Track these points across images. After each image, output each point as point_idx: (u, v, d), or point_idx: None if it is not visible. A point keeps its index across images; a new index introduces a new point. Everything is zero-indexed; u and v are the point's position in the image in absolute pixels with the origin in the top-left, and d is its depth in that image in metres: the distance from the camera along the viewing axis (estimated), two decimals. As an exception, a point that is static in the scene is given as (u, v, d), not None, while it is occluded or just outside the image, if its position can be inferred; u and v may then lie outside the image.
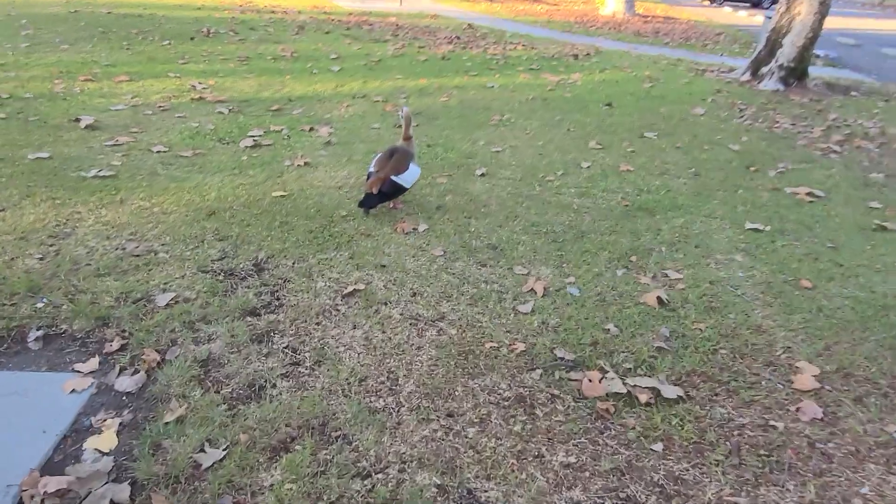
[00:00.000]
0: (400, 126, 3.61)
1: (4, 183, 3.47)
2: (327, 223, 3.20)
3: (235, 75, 6.81)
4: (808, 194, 4.09)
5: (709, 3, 22.97)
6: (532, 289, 2.71)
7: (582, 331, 2.46)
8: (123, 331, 2.28)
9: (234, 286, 2.58)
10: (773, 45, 8.12)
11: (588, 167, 4.38)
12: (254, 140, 4.52)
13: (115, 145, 4.28)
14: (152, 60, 7.32)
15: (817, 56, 10.27)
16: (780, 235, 3.45)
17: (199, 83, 6.27)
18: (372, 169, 3.23)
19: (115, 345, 2.20)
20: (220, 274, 2.66)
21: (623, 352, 2.35)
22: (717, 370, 2.30)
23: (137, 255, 2.75)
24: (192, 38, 9.09)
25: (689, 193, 3.99)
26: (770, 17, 8.41)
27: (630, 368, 2.27)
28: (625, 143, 5.09)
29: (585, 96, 6.80)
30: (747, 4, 21.86)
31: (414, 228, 3.20)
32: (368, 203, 3.17)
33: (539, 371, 2.21)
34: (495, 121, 5.54)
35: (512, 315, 2.53)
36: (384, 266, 2.81)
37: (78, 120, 4.73)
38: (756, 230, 3.49)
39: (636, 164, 4.53)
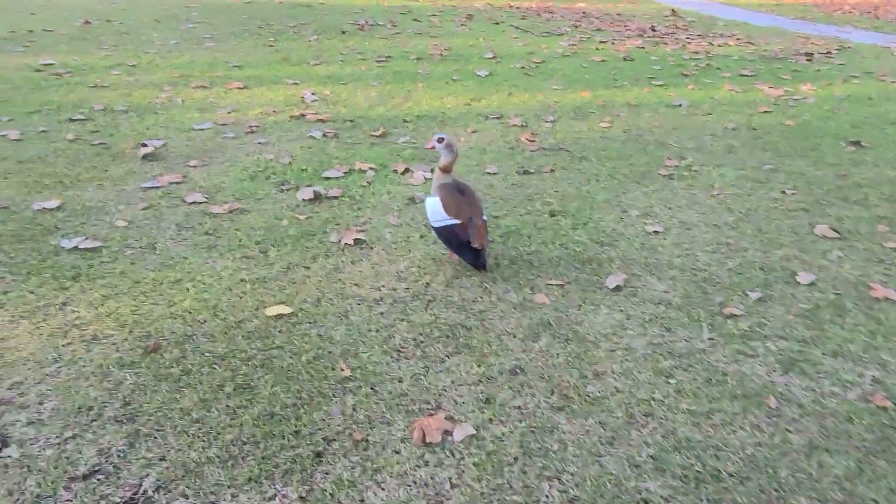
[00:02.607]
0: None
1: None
2: (308, 398, 1.90)
3: (360, 82, 5.78)
4: None
5: None
6: None
7: None
8: None
9: (54, 569, 1.40)
10: None
11: (810, 284, 2.58)
12: (318, 189, 3.37)
13: (150, 188, 3.39)
14: (285, 61, 6.59)
15: None
16: None
17: (313, 93, 5.32)
18: (449, 218, 2.53)
19: None
20: (56, 523, 1.50)
21: None
22: None
23: (-26, 448, 1.69)
24: (343, 33, 8.31)
25: None
26: None
27: None
28: (880, 224, 3.13)
29: (818, 125, 4.73)
30: None
31: (447, 432, 1.77)
32: (485, 262, 2.63)
33: None
34: (669, 167, 3.84)
35: None
36: (340, 553, 1.45)
37: (143, 146, 3.94)
38: None
39: (903, 280, 2.63)
